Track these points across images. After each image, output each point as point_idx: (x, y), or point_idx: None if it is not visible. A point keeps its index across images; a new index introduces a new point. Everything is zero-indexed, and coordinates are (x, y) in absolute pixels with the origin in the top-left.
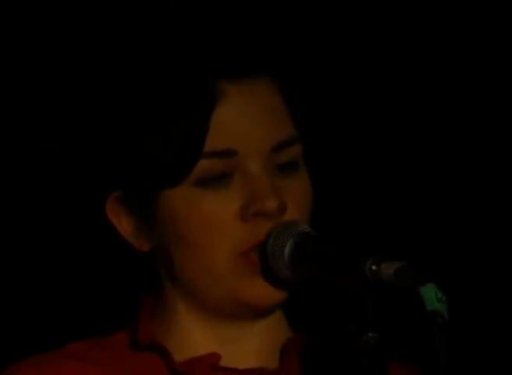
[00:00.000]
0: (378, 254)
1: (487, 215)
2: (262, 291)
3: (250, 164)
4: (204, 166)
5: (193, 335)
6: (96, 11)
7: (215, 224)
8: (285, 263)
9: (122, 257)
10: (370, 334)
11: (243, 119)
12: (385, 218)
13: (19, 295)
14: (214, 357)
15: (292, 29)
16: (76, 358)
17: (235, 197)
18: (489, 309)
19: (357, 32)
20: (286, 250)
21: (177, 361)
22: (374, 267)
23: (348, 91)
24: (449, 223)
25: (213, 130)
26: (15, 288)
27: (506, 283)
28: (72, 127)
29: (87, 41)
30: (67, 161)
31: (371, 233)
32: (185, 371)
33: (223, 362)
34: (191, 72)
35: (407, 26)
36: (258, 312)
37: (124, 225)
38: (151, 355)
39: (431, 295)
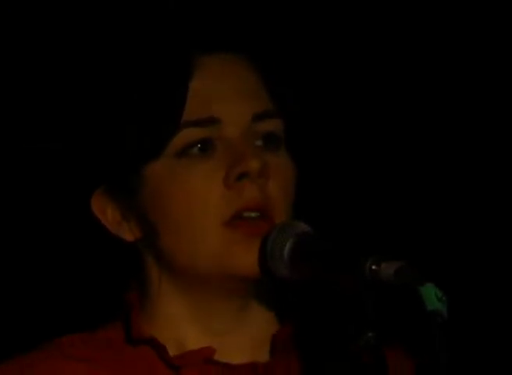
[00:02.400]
0: (377, 254)
1: (487, 215)
2: (249, 260)
3: (231, 131)
4: (185, 135)
5: (185, 328)
6: (92, 8)
7: (199, 195)
8: (284, 263)
9: (107, 251)
10: (369, 334)
11: (222, 89)
12: (384, 218)
13: (5, 291)
14: (208, 351)
15: (269, 7)
16: (67, 354)
17: (218, 166)
18: (489, 309)
19: (352, 23)
20: (286, 250)
21: (171, 354)
22: (374, 267)
23: (348, 90)
24: (449, 223)
25: (193, 99)
26: (4, 285)
27: (506, 283)
28: (65, 125)
29: (72, 31)
30: (60, 160)
31: (370, 233)
32: (180, 365)
33: (216, 356)
34: (168, 44)
35: (404, 20)
36: (246, 282)
37: (109, 218)
38: (144, 349)
39: (431, 295)
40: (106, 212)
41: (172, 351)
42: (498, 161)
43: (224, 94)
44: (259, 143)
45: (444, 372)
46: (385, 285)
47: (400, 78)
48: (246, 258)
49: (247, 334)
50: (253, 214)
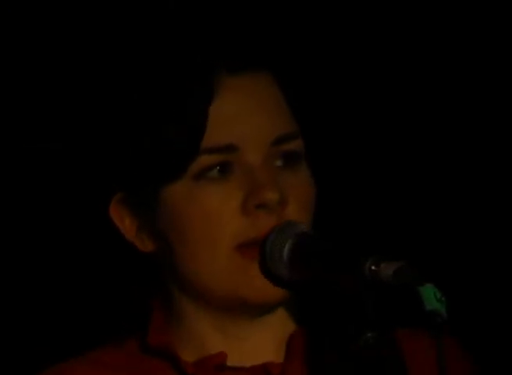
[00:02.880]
0: (377, 254)
1: (486, 214)
2: (260, 289)
3: (250, 157)
4: (204, 160)
5: (201, 334)
6: (94, 9)
7: (216, 218)
8: (284, 264)
9: (126, 261)
10: (369, 334)
11: (243, 112)
12: (384, 218)
13: (13, 294)
14: (220, 357)
15: (291, 24)
16: (90, 364)
17: (235, 190)
18: (489, 309)
19: (358, 29)
20: (285, 250)
21: (187, 360)
22: (373, 267)
23: (347, 91)
24: (449, 223)
25: (213, 124)
26: (7, 287)
27: (506, 283)
28: (71, 127)
29: (86, 39)
30: (68, 162)
31: (370, 233)
32: (194, 373)
33: (230, 361)
34: (189, 66)
35: (408, 25)
36: (258, 310)
37: (127, 226)
38: (160, 359)
39: (430, 295)
40: (123, 218)
41: (187, 357)
42: (498, 161)
43: (245, 118)
44: (279, 163)
45: (444, 372)
46: (384, 285)
47: (401, 80)
48: (255, 286)
49: (263, 338)
50: None
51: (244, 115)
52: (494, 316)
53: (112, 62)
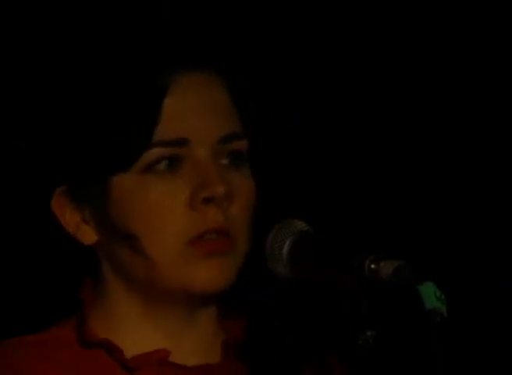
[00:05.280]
0: (376, 253)
1: (486, 214)
2: (208, 276)
3: (198, 152)
4: (154, 153)
5: (139, 330)
6: (47, 8)
7: (162, 212)
8: (283, 262)
9: (61, 251)
10: (368, 333)
11: (193, 109)
12: (383, 217)
13: None
14: (163, 353)
15: (244, 28)
16: (21, 354)
17: (183, 185)
18: (488, 308)
19: (342, 29)
20: (285, 249)
21: (125, 356)
22: (372, 266)
23: (349, 89)
24: (448, 221)
25: (164, 118)
26: None
27: (506, 282)
28: (14, 117)
29: (36, 33)
30: (11, 153)
31: (369, 231)
32: (135, 366)
33: (170, 358)
34: (141, 63)
35: (397, 22)
36: (203, 298)
37: (68, 218)
38: (99, 351)
39: (430, 294)
40: (65, 212)
41: (126, 353)
42: (498, 160)
43: (195, 113)
44: (225, 161)
45: (442, 371)
46: (384, 284)
47: (402, 83)
48: (205, 275)
49: (200, 336)
50: (214, 235)
51: (194, 112)
52: (493, 314)
53: (66, 54)
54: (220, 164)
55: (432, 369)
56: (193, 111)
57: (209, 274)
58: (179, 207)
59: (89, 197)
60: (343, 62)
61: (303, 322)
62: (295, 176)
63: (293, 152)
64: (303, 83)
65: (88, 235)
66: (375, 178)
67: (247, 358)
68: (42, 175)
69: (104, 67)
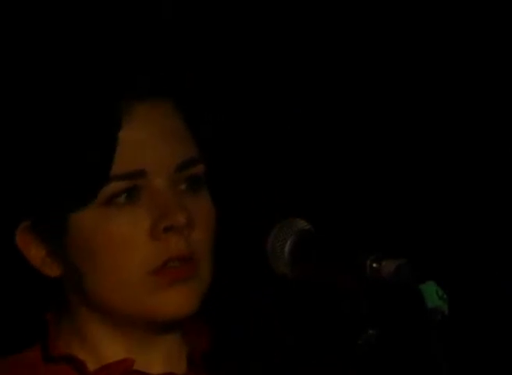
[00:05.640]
0: (378, 251)
1: (486, 214)
2: (173, 305)
3: (156, 182)
4: (113, 187)
5: (103, 344)
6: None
7: (124, 244)
8: (285, 261)
9: (27, 279)
10: (370, 332)
11: (149, 138)
12: (385, 216)
13: None
14: (127, 362)
15: (197, 52)
16: None
17: (143, 215)
18: (490, 307)
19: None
20: (287, 248)
21: (90, 370)
22: (374, 265)
23: (349, 89)
24: (449, 221)
25: (120, 151)
26: None
27: (506, 282)
28: None
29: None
30: None
31: (371, 230)
32: None
33: (135, 367)
34: (95, 92)
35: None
36: (168, 325)
37: (33, 254)
38: (63, 367)
39: (432, 293)
40: (30, 247)
41: (91, 367)
42: (498, 158)
43: (151, 143)
44: (183, 187)
45: (443, 370)
46: (385, 283)
47: (400, 78)
48: (171, 304)
49: (165, 351)
50: (177, 263)
51: (150, 141)
52: (494, 313)
53: (20, 85)
54: (178, 191)
55: (433, 369)
56: (148, 140)
57: (175, 302)
58: (140, 237)
59: (51, 232)
60: (342, 60)
61: (303, 322)
62: (297, 176)
63: (294, 152)
64: (303, 82)
65: (52, 269)
66: (376, 178)
67: (213, 370)
68: (5, 209)
69: (59, 98)
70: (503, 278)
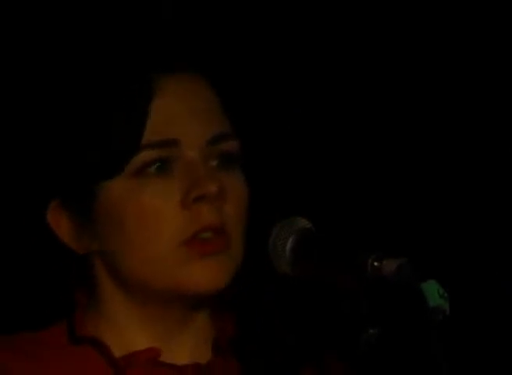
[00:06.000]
0: (379, 250)
1: (487, 214)
2: (204, 278)
3: (188, 153)
4: (144, 156)
5: (131, 331)
6: (31, 10)
7: (155, 215)
8: (286, 260)
9: (57, 255)
10: (371, 331)
11: (180, 110)
12: (386, 215)
13: None
14: (153, 352)
15: (229, 29)
16: (11, 351)
17: (175, 186)
18: (490, 307)
19: (342, 29)
20: (288, 246)
21: (115, 355)
22: (375, 264)
23: (351, 89)
24: (449, 222)
25: (152, 121)
26: None
27: (506, 282)
28: (11, 133)
29: (23, 39)
30: (16, 167)
31: (372, 229)
32: (124, 365)
33: (161, 357)
34: (126, 67)
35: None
36: (198, 299)
37: (64, 230)
38: (89, 349)
39: (433, 291)
40: (61, 224)
41: (116, 353)
42: (498, 160)
43: (183, 116)
44: (214, 163)
45: (444, 370)
46: (386, 282)
47: (400, 78)
48: (201, 277)
49: (192, 335)
50: (209, 233)
51: (182, 114)
52: (495, 312)
53: (51, 60)
54: (210, 165)
55: (433, 369)
56: (181, 113)
57: (205, 275)
58: (172, 208)
59: (83, 207)
60: (342, 61)
61: (303, 321)
62: (297, 175)
63: (294, 150)
64: (303, 82)
65: (83, 245)
66: (377, 176)
67: (237, 355)
68: (36, 187)
69: (90, 71)
70: (503, 278)
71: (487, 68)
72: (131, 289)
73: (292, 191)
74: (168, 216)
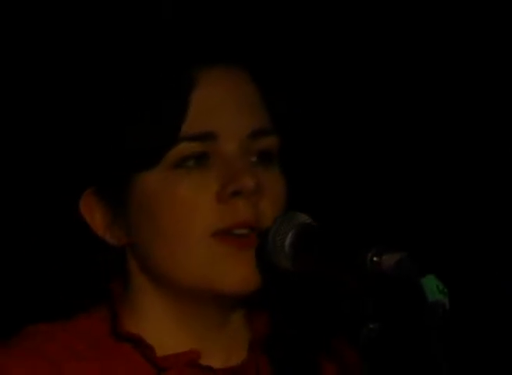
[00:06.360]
0: (379, 245)
1: (487, 214)
2: (239, 277)
3: (227, 147)
4: (182, 148)
5: (165, 330)
6: (73, 5)
7: (190, 207)
8: (286, 254)
9: (91, 247)
10: (371, 326)
11: (220, 103)
12: (386, 210)
13: None
14: (194, 354)
15: (273, 24)
16: (44, 349)
17: (212, 180)
18: (489, 301)
19: (352, 29)
20: (287, 241)
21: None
22: (375, 258)
23: (350, 87)
24: (450, 221)
25: (191, 113)
26: None
27: (506, 282)
28: (42, 120)
29: (65, 32)
30: (50, 156)
31: (372, 224)
32: (165, 367)
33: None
34: (167, 59)
35: (403, 23)
36: (231, 302)
37: (98, 220)
38: (128, 347)
39: (432, 286)
40: (94, 214)
41: (157, 353)
42: (499, 160)
43: (223, 109)
44: (254, 159)
45: (445, 364)
46: (386, 277)
47: (401, 80)
48: (234, 275)
49: (228, 337)
50: (244, 230)
51: (222, 106)
52: (494, 307)
53: (90, 53)
54: (248, 161)
55: (433, 368)
56: (221, 105)
57: (239, 273)
58: (208, 201)
59: (117, 197)
60: (342, 61)
61: (304, 316)
62: (298, 171)
63: (294, 148)
64: (303, 82)
65: (116, 237)
66: (377, 172)
67: (272, 354)
68: (71, 176)
69: (131, 62)
70: (503, 278)
71: (487, 68)
72: (161, 285)
73: (291, 187)
74: (204, 208)
